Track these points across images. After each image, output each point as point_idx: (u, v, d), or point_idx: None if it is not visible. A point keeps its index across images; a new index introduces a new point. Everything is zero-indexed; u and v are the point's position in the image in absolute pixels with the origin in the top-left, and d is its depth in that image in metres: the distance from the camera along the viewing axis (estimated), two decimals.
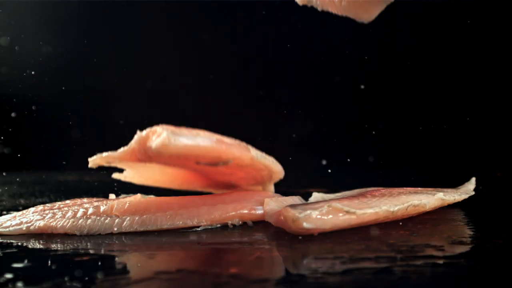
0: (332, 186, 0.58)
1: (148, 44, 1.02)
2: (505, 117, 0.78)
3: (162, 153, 0.28)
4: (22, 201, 0.54)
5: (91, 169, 0.36)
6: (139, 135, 0.31)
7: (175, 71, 1.01)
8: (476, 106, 0.80)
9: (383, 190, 0.37)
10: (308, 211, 0.30)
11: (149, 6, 1.00)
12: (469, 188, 0.43)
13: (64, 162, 0.99)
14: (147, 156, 0.30)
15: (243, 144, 0.35)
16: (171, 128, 0.30)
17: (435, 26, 0.83)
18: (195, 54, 1.01)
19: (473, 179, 0.45)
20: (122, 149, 0.33)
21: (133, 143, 0.32)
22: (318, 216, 0.30)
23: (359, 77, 0.65)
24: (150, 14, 1.01)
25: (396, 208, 0.33)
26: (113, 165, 0.38)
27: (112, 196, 0.41)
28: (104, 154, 0.35)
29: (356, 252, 0.28)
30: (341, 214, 0.31)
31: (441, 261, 0.26)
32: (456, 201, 0.40)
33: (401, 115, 0.85)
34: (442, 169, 0.82)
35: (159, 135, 0.28)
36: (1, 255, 0.30)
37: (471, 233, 0.33)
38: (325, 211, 0.30)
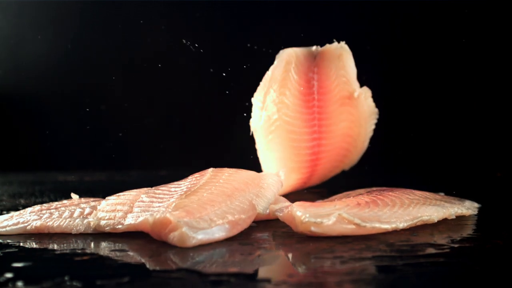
0: (330, 186, 0.58)
1: (149, 44, 1.02)
2: (505, 117, 0.78)
3: (179, 246, 0.30)
4: (22, 201, 0.54)
5: (91, 169, 0.36)
6: (148, 221, 0.31)
7: (176, 69, 1.01)
8: (476, 106, 0.80)
9: (394, 194, 0.36)
10: (319, 219, 0.30)
11: (149, 7, 1.00)
12: (474, 204, 0.41)
13: (64, 162, 0.99)
14: (161, 238, 0.31)
15: (247, 201, 0.34)
16: (186, 219, 0.30)
17: (432, 26, 0.83)
18: (197, 52, 1.01)
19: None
20: (128, 224, 0.32)
21: (141, 226, 0.32)
22: (328, 223, 0.30)
23: (358, 77, 0.65)
24: (150, 14, 1.01)
25: (406, 225, 0.33)
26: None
27: (74, 196, 0.41)
28: (106, 225, 0.34)
29: (356, 252, 0.28)
30: (350, 225, 0.31)
31: (441, 261, 0.26)
32: (462, 214, 0.39)
33: (400, 115, 0.85)
34: (442, 169, 0.82)
35: (175, 229, 0.29)
36: (1, 254, 0.30)
37: (471, 233, 0.33)
38: (335, 220, 0.30)
